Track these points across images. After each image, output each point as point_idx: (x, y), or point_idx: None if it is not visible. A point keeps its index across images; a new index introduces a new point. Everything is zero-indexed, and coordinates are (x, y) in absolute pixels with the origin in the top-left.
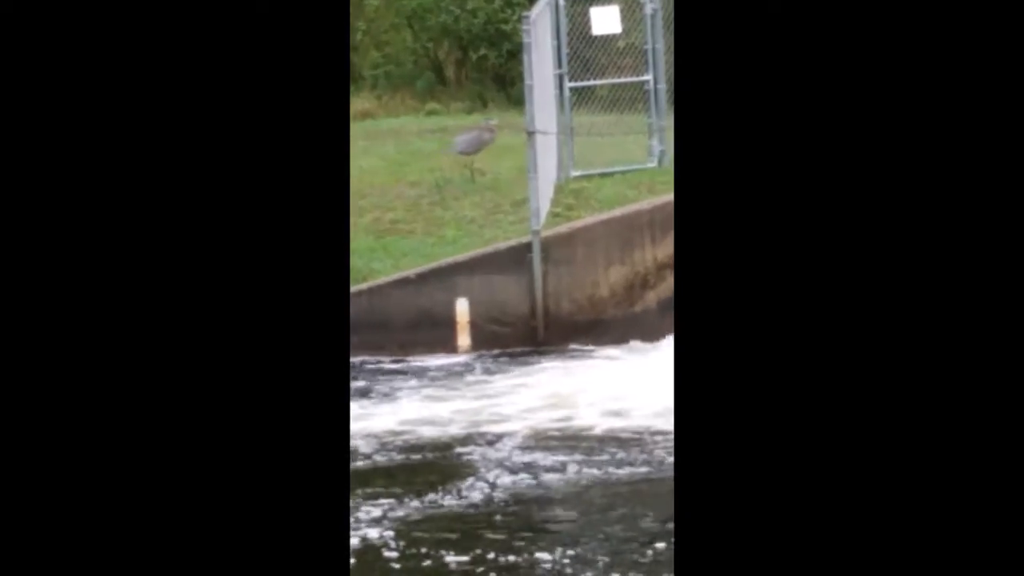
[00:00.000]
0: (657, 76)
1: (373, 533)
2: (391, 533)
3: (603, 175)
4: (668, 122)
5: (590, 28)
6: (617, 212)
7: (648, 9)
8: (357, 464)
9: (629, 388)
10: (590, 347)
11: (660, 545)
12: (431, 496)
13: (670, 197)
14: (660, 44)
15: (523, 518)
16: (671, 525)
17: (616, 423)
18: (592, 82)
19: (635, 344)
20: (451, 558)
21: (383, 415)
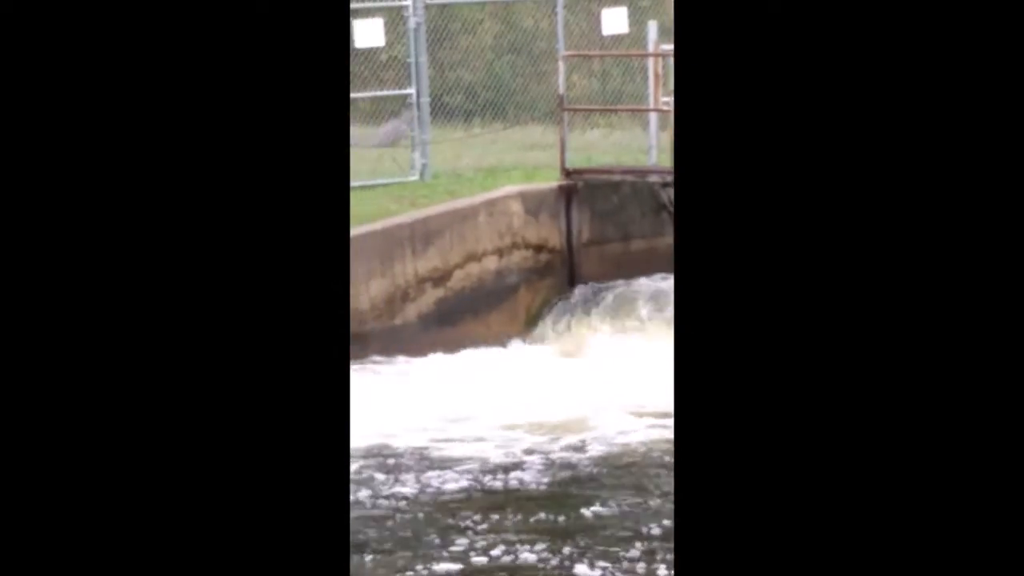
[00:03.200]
0: (420, 89)
1: None
2: None
3: (364, 187)
4: (431, 135)
5: (353, 41)
6: (378, 225)
7: (412, 23)
8: None
9: (394, 405)
10: (352, 361)
11: None
12: None
13: (431, 211)
14: (423, 58)
15: None
16: None
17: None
18: (355, 95)
19: (400, 359)
20: None
21: None
